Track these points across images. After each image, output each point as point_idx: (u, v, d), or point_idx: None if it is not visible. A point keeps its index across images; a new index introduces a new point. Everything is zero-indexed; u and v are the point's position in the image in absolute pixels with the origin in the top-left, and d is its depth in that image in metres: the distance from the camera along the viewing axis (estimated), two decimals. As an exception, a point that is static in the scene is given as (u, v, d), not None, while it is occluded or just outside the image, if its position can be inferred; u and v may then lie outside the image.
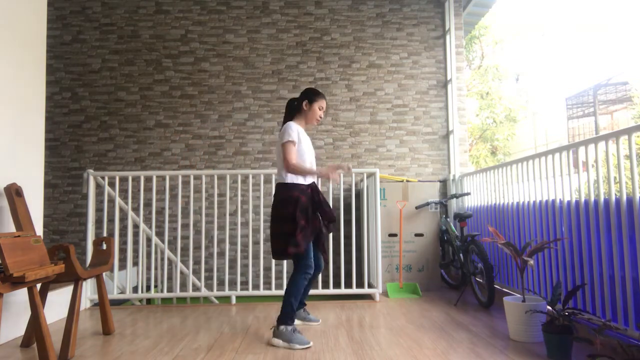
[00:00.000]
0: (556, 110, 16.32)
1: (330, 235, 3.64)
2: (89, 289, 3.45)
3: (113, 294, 3.60)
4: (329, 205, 2.71)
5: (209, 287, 4.44)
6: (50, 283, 2.39)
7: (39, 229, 2.86)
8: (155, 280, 4.27)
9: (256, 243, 4.63)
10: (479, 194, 4.03)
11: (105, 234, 3.62)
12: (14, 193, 2.53)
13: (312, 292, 3.26)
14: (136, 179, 4.56)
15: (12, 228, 2.54)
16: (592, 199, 2.43)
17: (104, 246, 2.83)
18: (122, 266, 4.24)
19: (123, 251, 4.29)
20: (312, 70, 5.02)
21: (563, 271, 2.68)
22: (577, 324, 2.37)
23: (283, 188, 2.53)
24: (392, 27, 5.08)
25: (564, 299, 2.23)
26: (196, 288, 4.04)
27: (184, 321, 2.98)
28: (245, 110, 4.97)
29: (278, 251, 2.52)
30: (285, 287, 3.44)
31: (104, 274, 2.72)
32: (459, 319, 2.93)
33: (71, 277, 2.33)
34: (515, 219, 3.27)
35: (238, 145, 4.94)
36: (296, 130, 2.56)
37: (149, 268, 4.37)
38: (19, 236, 2.04)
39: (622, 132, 2.18)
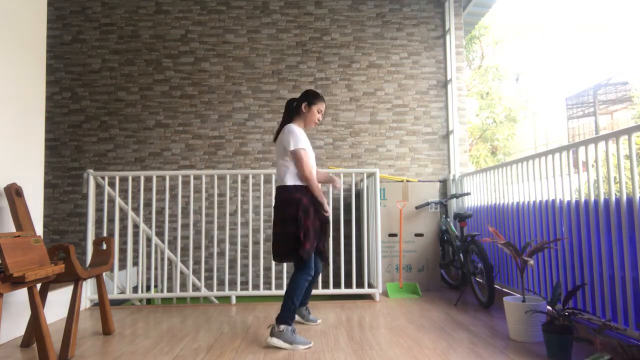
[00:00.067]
0: (556, 110, 16.32)
1: (330, 235, 3.64)
2: (89, 289, 3.45)
3: (113, 294, 3.60)
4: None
5: (209, 287, 4.44)
6: (50, 283, 2.39)
7: (39, 229, 2.86)
8: (155, 280, 4.27)
9: (256, 243, 4.63)
10: (479, 194, 4.03)
11: (105, 234, 3.62)
12: (14, 193, 2.53)
13: (312, 292, 3.26)
14: (136, 179, 4.56)
15: (12, 228, 2.54)
16: (592, 199, 2.43)
17: (104, 246, 2.83)
18: (122, 266, 4.24)
19: (123, 251, 4.29)
20: (312, 70, 5.02)
21: (563, 271, 2.68)
22: (577, 324, 2.37)
23: (284, 190, 2.53)
24: (392, 27, 5.08)
25: (564, 299, 2.23)
26: (196, 288, 4.04)
27: (184, 321, 2.98)
28: (245, 110, 4.97)
29: (279, 253, 2.53)
30: (285, 287, 3.46)
31: (104, 274, 2.72)
32: (459, 319, 2.93)
33: (71, 277, 2.33)
34: (515, 219, 3.27)
35: (238, 145, 4.94)
36: (303, 135, 2.56)
37: (149, 268, 4.37)
38: (19, 236, 2.04)
39: (622, 132, 2.18)
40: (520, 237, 3.18)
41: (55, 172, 4.89)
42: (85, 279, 2.41)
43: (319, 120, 2.71)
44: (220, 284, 4.35)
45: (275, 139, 2.70)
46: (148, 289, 4.27)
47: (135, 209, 4.34)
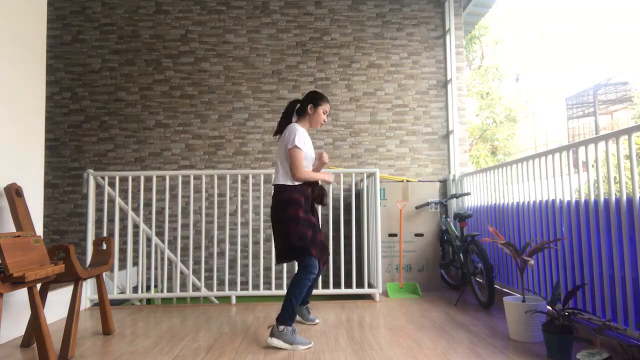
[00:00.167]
0: (556, 110, 16.33)
1: (330, 235, 3.64)
2: (89, 289, 3.45)
3: (113, 294, 3.60)
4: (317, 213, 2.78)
5: (209, 287, 4.44)
6: (50, 283, 2.39)
7: (39, 229, 2.86)
8: (155, 280, 4.27)
9: (256, 243, 4.63)
10: (479, 194, 4.03)
11: (105, 234, 3.62)
12: (14, 193, 2.53)
13: (312, 292, 3.26)
14: (136, 179, 4.56)
15: (12, 228, 2.54)
16: (592, 199, 2.43)
17: (104, 246, 2.83)
18: (122, 266, 4.24)
19: (123, 251, 4.29)
20: (312, 70, 5.02)
21: (563, 271, 2.68)
22: (577, 324, 2.37)
23: (283, 190, 2.53)
24: (392, 27, 5.08)
25: (564, 299, 2.23)
26: (196, 288, 4.04)
27: (184, 321, 2.98)
28: (245, 110, 4.97)
29: (282, 253, 2.53)
30: (285, 287, 3.46)
31: (104, 274, 2.72)
32: (459, 319, 2.93)
33: (71, 277, 2.33)
34: (515, 219, 3.27)
35: (238, 145, 4.94)
36: (303, 134, 2.56)
37: (149, 268, 4.37)
38: (19, 236, 2.04)
39: (622, 132, 2.18)
40: (520, 237, 3.18)
41: (55, 172, 4.89)
42: (85, 279, 2.41)
43: (324, 121, 2.71)
44: (220, 284, 4.35)
45: (275, 134, 2.70)
46: (148, 289, 4.27)
47: (135, 209, 4.34)
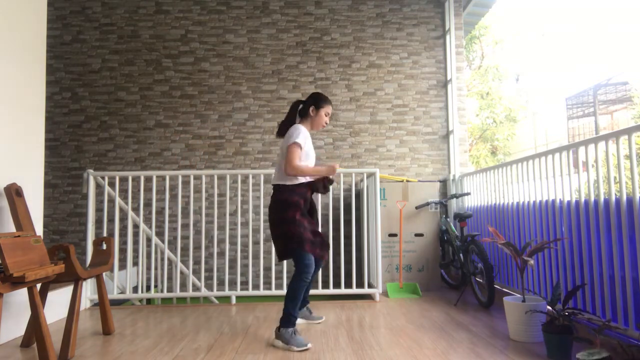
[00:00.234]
0: (556, 110, 16.33)
1: (330, 235, 3.64)
2: (89, 289, 3.45)
3: (113, 294, 3.60)
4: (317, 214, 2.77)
5: (209, 287, 4.44)
6: (50, 283, 2.39)
7: (39, 229, 2.86)
8: (155, 280, 4.27)
9: (256, 243, 4.63)
10: (479, 194, 4.03)
11: (105, 234, 3.61)
12: (14, 193, 2.53)
13: (312, 292, 3.27)
14: (136, 179, 4.56)
15: (12, 228, 2.54)
16: (592, 199, 2.43)
17: (104, 246, 2.83)
18: (122, 266, 4.24)
19: (123, 251, 4.29)
20: (312, 70, 5.02)
21: (563, 271, 2.68)
22: (577, 324, 2.37)
23: (283, 190, 2.52)
24: (392, 27, 5.08)
25: (564, 299, 2.23)
26: (196, 288, 4.04)
27: (184, 321, 2.98)
28: (245, 110, 4.97)
29: (280, 253, 2.54)
30: (285, 287, 3.46)
31: (104, 274, 2.72)
32: (459, 319, 2.93)
33: (71, 277, 2.33)
34: (515, 219, 3.27)
35: (238, 145, 4.94)
36: (305, 133, 2.55)
37: (149, 268, 4.37)
38: (19, 236, 2.04)
39: (622, 132, 2.18)
40: (520, 237, 3.18)
41: (55, 172, 4.89)
42: (85, 279, 2.41)
43: (326, 123, 2.71)
44: (220, 284, 4.35)
45: (277, 135, 2.68)
46: (148, 289, 4.27)
47: (135, 209, 4.34)
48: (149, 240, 4.23)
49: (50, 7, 4.23)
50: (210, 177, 4.72)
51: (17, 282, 1.92)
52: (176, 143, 4.93)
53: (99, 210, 4.52)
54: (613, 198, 2.26)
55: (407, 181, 4.42)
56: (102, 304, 2.66)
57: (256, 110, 4.97)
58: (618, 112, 14.51)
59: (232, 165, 4.91)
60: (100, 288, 2.69)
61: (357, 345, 2.37)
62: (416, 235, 4.13)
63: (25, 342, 2.40)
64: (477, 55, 13.50)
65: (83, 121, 4.95)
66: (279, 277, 3.97)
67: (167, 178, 3.60)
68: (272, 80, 5.00)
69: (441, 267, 4.09)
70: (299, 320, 2.83)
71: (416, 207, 4.12)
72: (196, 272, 4.60)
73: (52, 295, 2.77)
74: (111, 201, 4.35)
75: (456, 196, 4.15)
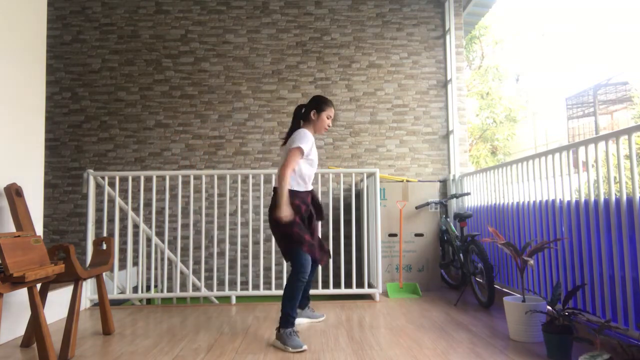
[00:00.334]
0: (556, 110, 16.34)
1: (330, 235, 3.64)
2: (89, 289, 3.45)
3: (113, 294, 3.60)
4: (320, 210, 2.75)
5: (209, 287, 4.44)
6: (50, 283, 2.39)
7: (39, 229, 2.86)
8: (155, 280, 4.27)
9: (256, 243, 4.63)
10: (479, 194, 4.03)
11: (105, 234, 3.61)
12: (14, 193, 2.53)
13: (312, 291, 3.26)
14: (136, 179, 4.56)
15: (12, 228, 2.54)
16: (592, 199, 2.43)
17: (104, 246, 2.83)
18: (122, 266, 4.24)
19: (123, 251, 4.29)
20: (312, 70, 5.02)
21: (563, 271, 2.68)
22: (577, 324, 2.37)
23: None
24: (392, 27, 5.08)
25: (564, 299, 2.23)
26: (196, 288, 4.04)
27: (184, 321, 2.98)
28: (245, 110, 4.97)
29: (283, 253, 2.56)
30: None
31: (104, 274, 2.72)
32: (459, 319, 2.93)
33: (71, 277, 2.33)
34: (515, 219, 3.27)
35: (238, 145, 4.94)
36: (311, 139, 2.53)
37: (149, 268, 4.37)
38: (19, 236, 2.04)
39: (622, 132, 2.18)
40: (520, 237, 3.18)
41: (55, 172, 4.89)
42: (85, 279, 2.41)
43: (329, 126, 2.68)
44: (220, 284, 4.35)
45: (283, 145, 2.65)
46: (148, 289, 4.27)
47: (135, 209, 4.34)
48: (149, 240, 4.23)
49: (50, 7, 4.23)
50: (210, 177, 4.72)
51: (17, 282, 1.92)
52: (176, 143, 4.93)
53: (99, 210, 4.52)
54: (613, 198, 2.26)
55: (407, 181, 4.42)
56: (102, 304, 2.66)
57: (256, 110, 4.97)
58: (618, 112, 14.51)
59: (232, 165, 4.91)
60: (100, 288, 2.69)
61: (357, 345, 2.37)
62: (416, 235, 4.13)
63: (25, 342, 2.40)
64: (477, 55, 13.50)
65: (83, 121, 4.95)
66: (279, 277, 3.96)
67: (167, 178, 3.60)
68: (272, 80, 5.01)
69: (441, 267, 4.09)
70: (303, 320, 2.84)
71: (416, 207, 4.12)
72: (196, 272, 4.60)
73: (52, 295, 2.78)
74: (111, 201, 4.35)
75: (456, 196, 4.15)
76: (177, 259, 3.72)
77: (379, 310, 3.25)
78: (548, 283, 2.84)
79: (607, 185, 2.30)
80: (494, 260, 3.58)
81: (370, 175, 3.90)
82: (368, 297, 3.72)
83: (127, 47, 5.03)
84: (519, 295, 2.54)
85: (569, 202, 2.62)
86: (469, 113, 11.53)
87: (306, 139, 2.50)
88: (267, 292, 3.62)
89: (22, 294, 2.62)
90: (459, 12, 5.04)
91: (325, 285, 3.84)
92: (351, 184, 4.56)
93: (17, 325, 2.60)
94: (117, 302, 3.88)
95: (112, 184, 3.87)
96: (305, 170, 2.55)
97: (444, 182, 4.90)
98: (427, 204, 4.10)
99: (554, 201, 2.77)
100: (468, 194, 4.17)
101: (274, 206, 2.51)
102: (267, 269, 4.60)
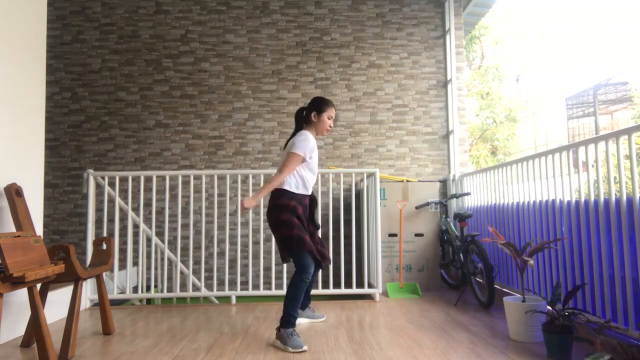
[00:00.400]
0: (556, 110, 16.34)
1: (330, 235, 3.64)
2: (89, 289, 3.45)
3: (113, 294, 3.60)
4: (317, 224, 2.73)
5: (209, 287, 4.44)
6: (50, 283, 2.39)
7: (39, 229, 2.86)
8: (155, 280, 4.27)
9: (256, 243, 4.63)
10: (479, 194, 4.03)
11: (105, 234, 3.62)
12: (14, 193, 2.53)
13: (312, 292, 3.26)
14: (136, 179, 4.56)
15: (12, 228, 2.54)
16: (592, 199, 2.43)
17: (104, 246, 2.83)
18: (122, 266, 4.24)
19: (123, 251, 4.29)
20: (312, 70, 5.02)
21: (563, 271, 2.68)
22: (577, 324, 2.37)
23: (281, 194, 2.50)
24: (392, 27, 5.08)
25: (564, 299, 2.23)
26: (196, 288, 4.04)
27: (184, 321, 2.98)
28: (245, 110, 4.97)
29: (281, 255, 2.56)
30: (285, 287, 3.46)
31: (104, 274, 2.72)
32: (459, 319, 2.93)
33: (71, 277, 2.33)
34: (515, 219, 3.27)
35: (238, 145, 4.94)
36: (312, 143, 2.53)
37: (149, 268, 4.37)
38: (19, 236, 2.04)
39: (622, 132, 2.18)
40: (520, 237, 3.18)
41: (55, 172, 4.89)
42: (85, 279, 2.41)
43: (330, 127, 2.68)
44: (220, 284, 4.35)
45: (285, 148, 2.65)
46: (148, 289, 4.27)
47: (135, 209, 4.34)
48: (149, 240, 4.23)
49: (50, 7, 4.23)
50: (210, 177, 4.72)
51: (17, 282, 1.92)
52: (176, 143, 4.93)
53: (99, 210, 4.52)
54: (613, 198, 2.26)
55: (407, 181, 4.42)
56: (102, 304, 2.66)
57: (256, 110, 4.97)
58: (618, 112, 14.51)
59: (232, 165, 4.91)
60: (100, 288, 2.69)
61: (357, 345, 2.37)
62: (416, 235, 4.13)
63: (25, 342, 2.40)
64: (477, 55, 13.50)
65: (83, 121, 4.95)
66: (279, 277, 3.96)
67: (167, 178, 3.60)
68: (272, 80, 5.01)
69: (441, 267, 4.09)
70: (303, 320, 2.84)
71: (416, 207, 4.12)
72: (196, 272, 4.60)
73: (52, 295, 2.78)
74: (111, 201, 4.35)
75: (456, 196, 4.14)
76: (177, 259, 3.72)
77: (379, 310, 3.25)
78: (548, 283, 2.84)
79: (607, 185, 2.30)
80: (494, 260, 3.58)
81: (370, 175, 3.90)
82: (368, 297, 3.71)
83: (127, 47, 5.03)
84: (519, 295, 2.54)
85: (569, 202, 2.62)
86: (469, 113, 11.53)
87: (306, 142, 2.50)
88: (267, 292, 3.62)
89: (22, 294, 2.62)
90: (459, 12, 5.04)
91: (325, 285, 3.84)
92: (351, 184, 4.56)
93: (17, 325, 2.60)
94: (117, 302, 3.88)
95: (112, 184, 3.87)
96: (305, 175, 2.55)
97: (444, 182, 4.90)
98: (427, 204, 4.10)
99: (554, 201, 2.77)
100: (468, 194, 4.17)
101: (271, 208, 2.52)
102: (267, 269, 4.60)
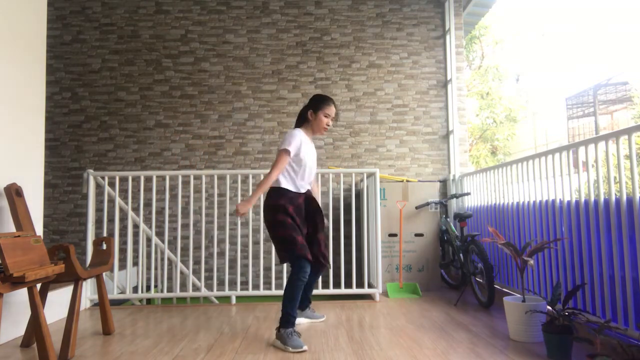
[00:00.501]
0: (556, 110, 16.34)
1: (330, 235, 3.64)
2: (89, 289, 3.45)
3: (113, 294, 3.60)
4: (320, 214, 2.69)
5: (209, 287, 4.44)
6: (50, 283, 2.39)
7: (39, 229, 2.86)
8: (155, 280, 4.27)
9: (256, 243, 4.63)
10: (479, 194, 4.03)
11: (105, 234, 3.62)
12: (14, 193, 2.53)
13: (312, 292, 3.26)
14: (136, 179, 4.56)
15: (12, 228, 2.54)
16: (592, 199, 2.43)
17: (104, 246, 2.83)
18: (122, 266, 4.24)
19: (123, 251, 4.29)
20: (312, 70, 5.02)
21: (563, 271, 2.68)
22: (577, 324, 2.37)
23: (273, 193, 2.51)
24: (392, 27, 5.08)
25: (564, 299, 2.23)
26: (196, 288, 4.04)
27: (184, 321, 2.98)
28: (245, 110, 4.97)
29: (278, 255, 2.54)
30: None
31: (104, 274, 2.72)
32: (459, 319, 2.93)
33: (71, 277, 2.33)
34: (515, 219, 3.27)
35: (238, 145, 4.94)
36: (298, 139, 2.52)
37: (149, 268, 4.37)
38: (19, 236, 2.04)
39: (622, 132, 2.18)
40: (520, 237, 3.18)
41: (55, 172, 4.89)
42: (85, 279, 2.41)
43: (328, 125, 2.63)
44: (220, 284, 4.35)
45: None
46: (148, 289, 4.27)
47: (135, 209, 4.34)
48: (149, 240, 4.23)
49: (50, 7, 4.23)
50: (210, 177, 4.72)
51: (17, 282, 1.92)
52: (176, 143, 4.93)
53: (99, 210, 4.52)
54: (613, 198, 2.26)
55: (407, 181, 4.42)
56: (102, 304, 2.66)
57: (256, 110, 4.97)
58: (618, 112, 14.51)
59: (232, 165, 4.91)
60: (100, 288, 2.69)
61: (357, 345, 2.37)
62: (416, 235, 4.13)
63: (25, 342, 2.40)
64: (477, 55, 13.50)
65: (83, 121, 4.95)
66: (279, 277, 3.96)
67: (167, 178, 3.60)
68: (272, 80, 5.00)
69: (441, 267, 4.09)
70: (303, 320, 2.84)
71: (416, 207, 4.12)
72: (196, 272, 4.60)
73: (52, 295, 2.77)
74: (111, 201, 4.35)
75: (456, 196, 4.14)
76: (177, 259, 3.72)
77: (379, 310, 3.25)
78: (548, 283, 2.84)
79: (607, 185, 2.30)
80: (494, 260, 3.58)
81: (370, 175, 3.90)
82: (368, 297, 3.71)
83: (127, 47, 5.03)
84: (519, 295, 2.54)
85: (569, 202, 2.62)
86: (469, 113, 11.53)
87: (292, 138, 2.50)
88: (267, 292, 3.62)
89: (22, 294, 2.61)
90: (459, 12, 5.04)
91: (325, 285, 3.84)
92: (351, 184, 4.56)
93: (17, 325, 2.60)
94: (117, 302, 3.88)
95: (112, 184, 3.87)
96: (295, 172, 2.54)
97: (444, 182, 4.90)
98: (427, 204, 4.10)
99: (554, 201, 2.77)
100: (468, 194, 4.17)
101: (264, 208, 2.53)
102: (267, 269, 4.60)
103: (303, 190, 2.62)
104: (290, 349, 2.28)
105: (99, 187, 3.74)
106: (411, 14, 5.10)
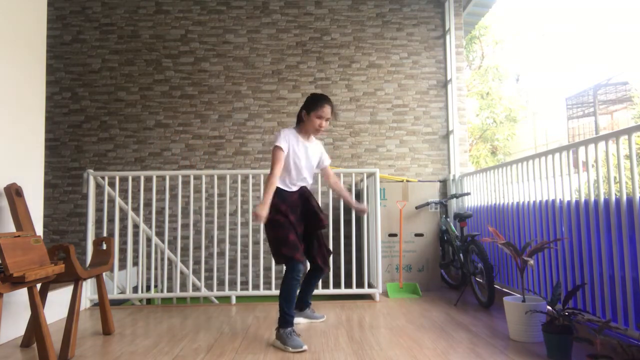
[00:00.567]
0: (556, 110, 16.34)
1: (330, 235, 3.64)
2: (89, 289, 3.45)
3: (113, 294, 3.60)
4: (319, 214, 2.66)
5: (209, 287, 4.44)
6: (50, 283, 2.39)
7: (39, 229, 2.86)
8: (155, 280, 4.27)
9: (256, 243, 4.63)
10: (479, 194, 4.03)
11: (105, 234, 3.62)
12: (14, 193, 2.53)
13: (313, 292, 3.26)
14: (136, 179, 4.55)
15: (12, 228, 2.54)
16: (592, 199, 2.43)
17: (104, 246, 2.83)
18: (122, 266, 4.24)
19: (123, 251, 4.29)
20: (312, 70, 5.02)
21: (563, 271, 2.68)
22: (577, 324, 2.36)
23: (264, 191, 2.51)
24: (392, 27, 5.09)
25: (564, 299, 2.23)
26: (196, 288, 4.04)
27: (184, 321, 2.98)
28: (245, 110, 4.97)
29: (274, 255, 2.54)
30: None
31: (104, 274, 2.72)
32: (459, 319, 2.93)
33: (71, 277, 2.33)
34: (515, 219, 3.27)
35: (238, 145, 4.94)
36: (286, 137, 2.51)
37: (149, 268, 4.37)
38: (19, 236, 2.04)
39: (622, 132, 2.18)
40: (520, 237, 3.18)
41: (55, 172, 4.89)
42: (85, 279, 2.41)
43: (320, 126, 2.57)
44: (220, 284, 4.35)
45: None
46: (148, 289, 4.26)
47: (135, 209, 4.33)
48: (149, 240, 4.23)
49: (50, 7, 4.22)
50: (210, 177, 4.72)
51: (17, 282, 1.92)
52: (176, 143, 4.93)
53: (99, 210, 4.52)
54: (613, 198, 2.26)
55: (407, 181, 4.42)
56: (102, 304, 2.66)
57: (256, 110, 4.97)
58: (618, 112, 14.51)
59: (232, 165, 4.91)
60: (100, 288, 2.69)
61: (357, 345, 2.37)
62: (416, 235, 4.13)
63: (25, 342, 2.40)
64: (477, 55, 13.50)
65: (83, 121, 4.95)
66: (279, 277, 3.95)
67: (167, 178, 3.60)
68: (272, 80, 5.00)
69: (441, 267, 4.09)
70: (303, 320, 2.84)
71: (416, 207, 4.12)
72: (196, 272, 4.59)
73: (52, 295, 2.77)
74: (111, 201, 4.35)
75: (456, 196, 4.14)
76: (177, 259, 3.72)
77: (379, 310, 3.25)
78: (548, 283, 2.84)
79: (607, 185, 2.30)
80: (494, 260, 3.58)
81: (370, 175, 3.90)
82: (368, 297, 3.71)
83: (127, 47, 5.03)
84: (519, 295, 2.54)
85: (569, 202, 2.62)
86: (469, 113, 11.53)
87: (280, 135, 2.51)
88: (267, 292, 3.62)
89: (22, 294, 2.61)
90: (459, 12, 5.04)
91: (325, 285, 3.83)
92: (351, 184, 4.56)
93: (17, 325, 2.60)
94: (117, 302, 3.88)
95: (112, 184, 3.87)
96: (287, 168, 2.53)
97: (444, 182, 4.90)
98: (427, 204, 4.10)
99: (554, 201, 2.77)
100: (468, 194, 4.17)
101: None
102: (267, 269, 4.60)
103: (295, 188, 2.61)
104: (290, 348, 2.28)
105: (99, 187, 3.74)
106: (411, 14, 5.10)
